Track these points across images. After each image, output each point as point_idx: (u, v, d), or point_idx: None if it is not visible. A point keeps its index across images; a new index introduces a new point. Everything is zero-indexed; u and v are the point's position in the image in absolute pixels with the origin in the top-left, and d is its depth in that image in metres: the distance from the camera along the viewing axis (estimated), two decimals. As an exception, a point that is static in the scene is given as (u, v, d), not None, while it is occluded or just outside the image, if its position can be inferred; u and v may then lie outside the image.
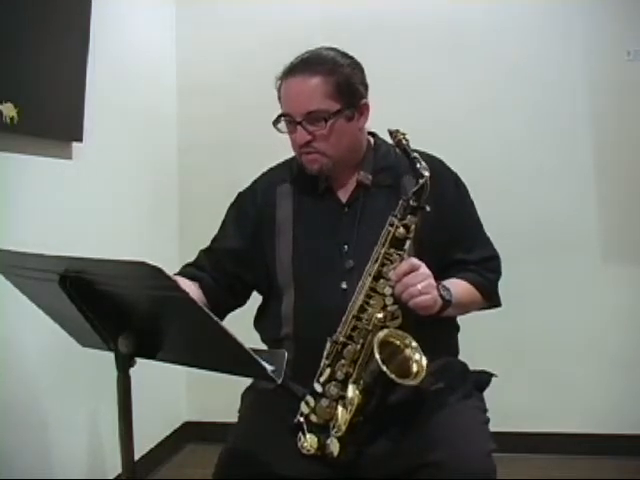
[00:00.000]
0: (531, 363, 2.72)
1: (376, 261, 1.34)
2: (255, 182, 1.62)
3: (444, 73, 2.78)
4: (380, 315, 1.32)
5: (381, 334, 1.29)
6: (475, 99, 2.77)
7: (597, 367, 2.71)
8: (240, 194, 1.63)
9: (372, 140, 1.56)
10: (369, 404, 1.28)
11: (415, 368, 1.28)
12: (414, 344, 1.30)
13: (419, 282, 1.29)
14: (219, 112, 2.91)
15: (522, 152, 2.75)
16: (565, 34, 2.74)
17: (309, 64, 1.44)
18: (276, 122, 1.48)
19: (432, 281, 1.31)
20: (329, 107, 1.42)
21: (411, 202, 1.32)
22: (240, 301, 1.60)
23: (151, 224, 2.75)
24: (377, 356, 1.24)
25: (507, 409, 2.58)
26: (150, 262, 0.91)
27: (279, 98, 1.49)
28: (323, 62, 1.44)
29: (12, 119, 1.81)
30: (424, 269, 1.31)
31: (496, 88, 2.77)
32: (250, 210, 1.57)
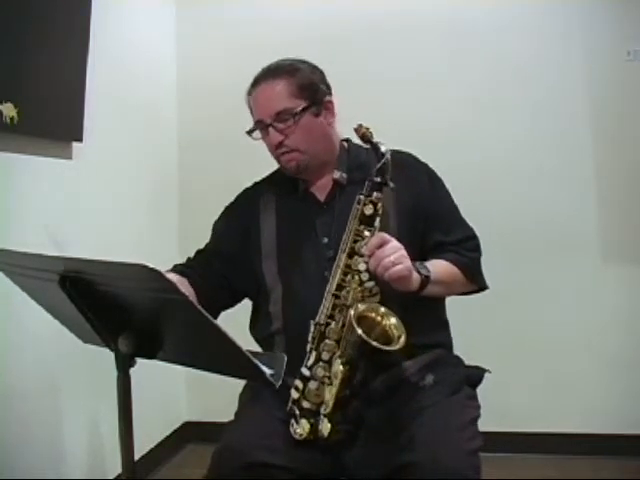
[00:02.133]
0: (530, 363, 2.72)
1: (348, 238, 1.39)
2: (239, 196, 1.70)
3: (444, 73, 2.78)
4: (358, 291, 1.36)
5: (357, 308, 1.32)
6: (475, 99, 2.77)
7: (597, 367, 2.71)
8: (227, 207, 1.71)
9: (346, 144, 1.63)
10: (354, 377, 1.31)
11: (395, 332, 1.30)
12: (387, 312, 1.33)
13: (391, 254, 1.32)
14: (219, 112, 2.91)
15: (522, 152, 2.75)
16: (565, 34, 2.74)
17: (270, 71, 1.55)
18: (251, 132, 1.58)
19: (403, 252, 1.35)
20: (295, 105, 1.51)
21: (375, 180, 1.37)
22: (229, 301, 1.63)
23: (151, 224, 2.75)
24: (354, 324, 1.27)
25: (506, 409, 2.59)
26: (149, 265, 0.91)
27: (251, 112, 1.60)
28: (283, 67, 1.55)
29: (12, 119, 1.81)
30: (395, 242, 1.35)
31: (496, 88, 2.77)
32: (236, 218, 1.65)
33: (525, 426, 2.70)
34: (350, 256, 1.38)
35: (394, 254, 1.32)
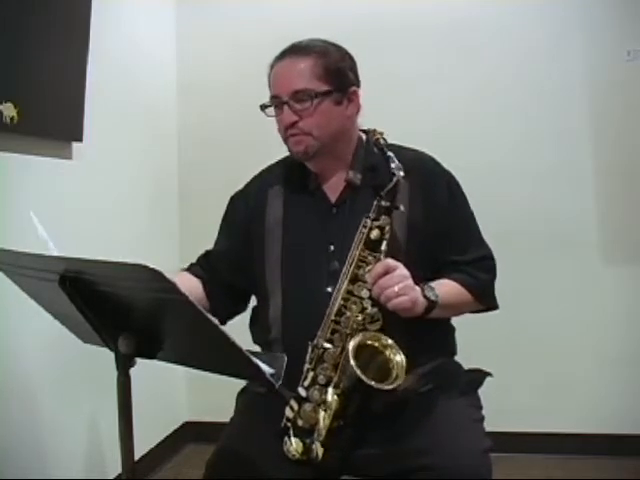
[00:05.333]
0: (531, 363, 2.72)
1: (351, 264, 1.32)
2: (248, 185, 1.62)
3: (443, 73, 2.78)
4: (359, 318, 1.31)
5: (357, 339, 1.28)
6: (475, 99, 2.77)
7: (597, 367, 2.71)
8: (232, 198, 1.63)
9: (364, 138, 1.53)
10: (348, 408, 1.27)
11: (394, 372, 1.26)
12: (392, 343, 1.28)
13: (396, 284, 1.27)
14: (219, 112, 2.91)
15: (522, 152, 2.75)
16: (565, 34, 2.74)
17: (299, 48, 1.46)
18: (264, 107, 1.48)
19: (409, 282, 1.29)
20: (316, 87, 1.42)
21: (383, 203, 1.31)
22: (240, 307, 1.60)
23: (151, 224, 2.75)
24: (352, 362, 1.23)
25: (507, 409, 2.59)
26: (149, 265, 0.91)
27: (269, 85, 1.49)
28: (313, 46, 1.46)
29: (12, 119, 1.81)
30: (401, 270, 1.29)
31: (496, 88, 2.77)
32: (241, 214, 1.57)
33: (525, 426, 2.70)
34: (352, 282, 1.32)
35: (399, 284, 1.27)
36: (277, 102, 1.45)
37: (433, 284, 1.38)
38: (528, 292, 2.66)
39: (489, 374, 1.51)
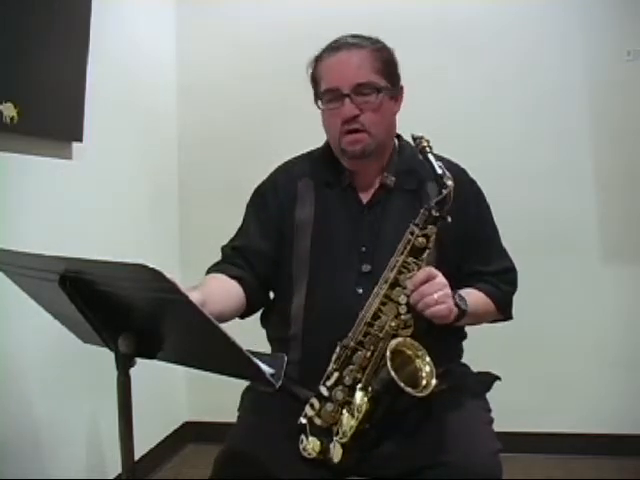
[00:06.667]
0: (531, 363, 2.72)
1: (393, 269, 1.32)
2: (274, 174, 1.57)
3: (443, 73, 2.78)
4: (393, 323, 1.31)
5: (394, 342, 1.28)
6: (474, 99, 2.77)
7: (597, 367, 2.71)
8: (260, 188, 1.57)
9: (396, 141, 1.52)
10: (377, 412, 1.27)
11: (424, 381, 1.26)
12: (426, 356, 1.28)
13: (435, 291, 1.27)
14: (219, 112, 2.91)
15: (522, 152, 2.75)
16: (565, 34, 2.74)
17: (354, 41, 1.42)
18: (317, 98, 1.44)
19: (448, 291, 1.30)
20: (378, 81, 1.40)
21: (433, 212, 1.30)
22: (269, 300, 1.57)
23: (151, 224, 2.75)
24: (389, 364, 1.23)
25: (507, 409, 2.58)
26: (149, 264, 0.91)
27: (314, 79, 1.45)
28: (369, 40, 1.43)
29: (12, 119, 1.81)
30: (440, 278, 1.29)
31: (496, 88, 2.77)
32: (272, 206, 1.52)
33: (525, 426, 2.70)
34: (392, 287, 1.31)
35: (438, 292, 1.27)
36: (336, 95, 1.40)
37: (462, 292, 1.38)
38: (528, 292, 2.64)
39: (498, 378, 1.51)
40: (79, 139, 2.16)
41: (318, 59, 1.45)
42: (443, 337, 1.34)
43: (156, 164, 2.83)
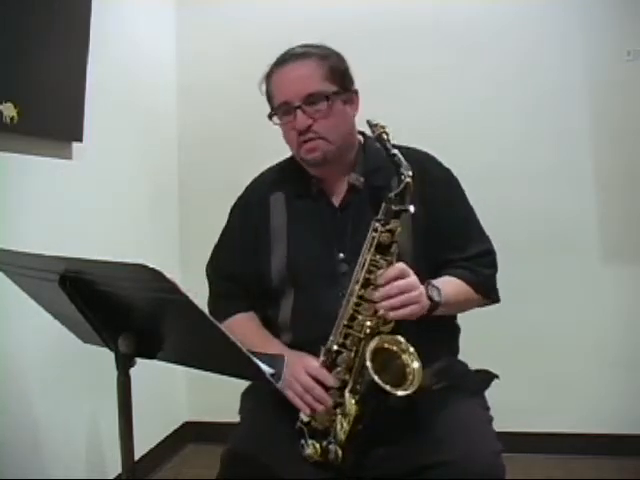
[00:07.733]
0: (531, 363, 2.71)
1: (362, 268, 1.31)
2: (247, 193, 1.61)
3: (443, 73, 2.77)
4: (370, 322, 1.30)
5: (373, 343, 1.28)
6: (475, 99, 2.77)
7: (597, 367, 2.71)
8: (234, 209, 1.61)
9: (361, 139, 1.54)
10: (366, 412, 1.27)
11: (410, 377, 1.25)
12: (410, 349, 1.28)
13: (406, 292, 1.27)
14: (219, 112, 2.91)
15: (522, 152, 2.75)
16: (565, 34, 2.74)
17: (299, 53, 1.45)
18: (271, 116, 1.46)
19: (421, 290, 1.30)
20: (327, 88, 1.42)
21: (393, 206, 1.30)
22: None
23: (151, 224, 2.75)
24: (369, 365, 1.23)
25: (507, 409, 2.58)
26: (149, 264, 0.91)
27: (268, 95, 1.48)
28: (313, 49, 1.45)
29: (12, 119, 1.81)
30: (412, 278, 1.29)
31: (496, 88, 2.77)
32: (249, 229, 1.55)
33: (525, 426, 2.69)
34: (364, 286, 1.31)
35: (410, 292, 1.27)
36: (288, 108, 1.42)
37: (437, 282, 1.37)
38: (528, 292, 2.66)
39: (496, 376, 1.50)
40: (79, 139, 2.16)
41: (268, 75, 1.47)
42: (432, 332, 1.33)
43: (156, 164, 2.83)
